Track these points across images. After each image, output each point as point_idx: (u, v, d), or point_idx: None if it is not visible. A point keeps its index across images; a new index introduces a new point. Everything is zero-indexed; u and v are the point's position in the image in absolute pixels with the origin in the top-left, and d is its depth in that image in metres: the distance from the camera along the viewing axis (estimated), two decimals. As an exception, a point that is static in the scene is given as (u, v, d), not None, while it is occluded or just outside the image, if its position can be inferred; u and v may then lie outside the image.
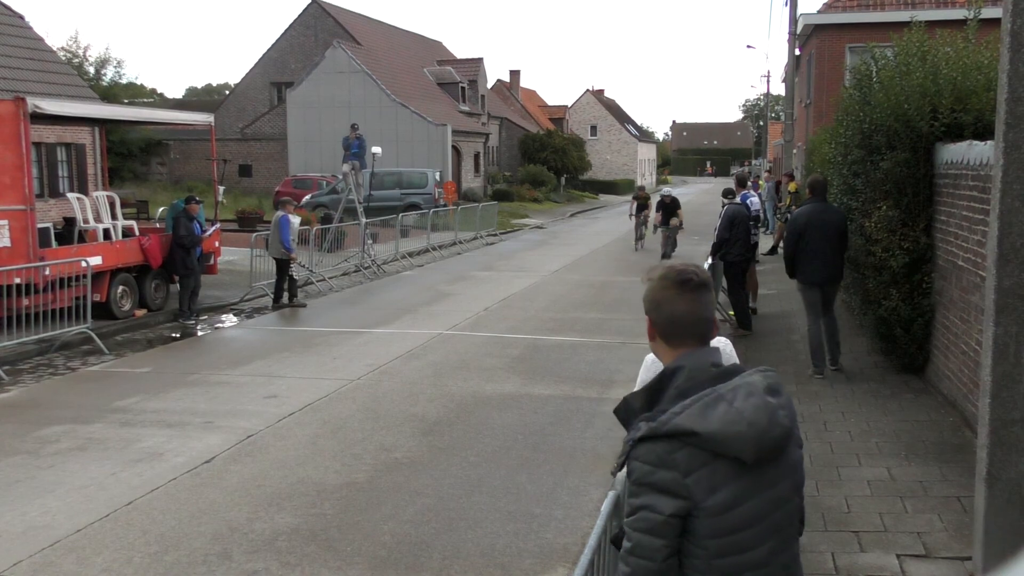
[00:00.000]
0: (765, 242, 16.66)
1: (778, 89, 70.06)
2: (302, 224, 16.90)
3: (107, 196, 15.13)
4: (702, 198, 53.75)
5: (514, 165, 52.59)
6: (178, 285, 13.78)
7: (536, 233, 30.12)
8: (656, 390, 2.27)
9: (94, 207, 14.68)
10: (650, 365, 4.70)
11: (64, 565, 5.26)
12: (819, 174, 10.84)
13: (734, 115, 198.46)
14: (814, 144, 17.99)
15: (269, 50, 47.52)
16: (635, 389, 4.84)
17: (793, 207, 17.01)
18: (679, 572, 2.19)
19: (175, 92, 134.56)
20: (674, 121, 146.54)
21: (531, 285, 16.65)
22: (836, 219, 9.04)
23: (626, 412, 2.32)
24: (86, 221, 14.32)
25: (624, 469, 2.21)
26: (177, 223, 13.41)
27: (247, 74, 48.57)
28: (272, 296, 14.72)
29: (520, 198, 43.96)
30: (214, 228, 14.52)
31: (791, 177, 21.62)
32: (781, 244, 13.57)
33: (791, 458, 2.25)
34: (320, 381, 9.53)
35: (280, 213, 14.65)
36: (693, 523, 2.14)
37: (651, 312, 2.39)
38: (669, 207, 21.30)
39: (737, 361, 4.71)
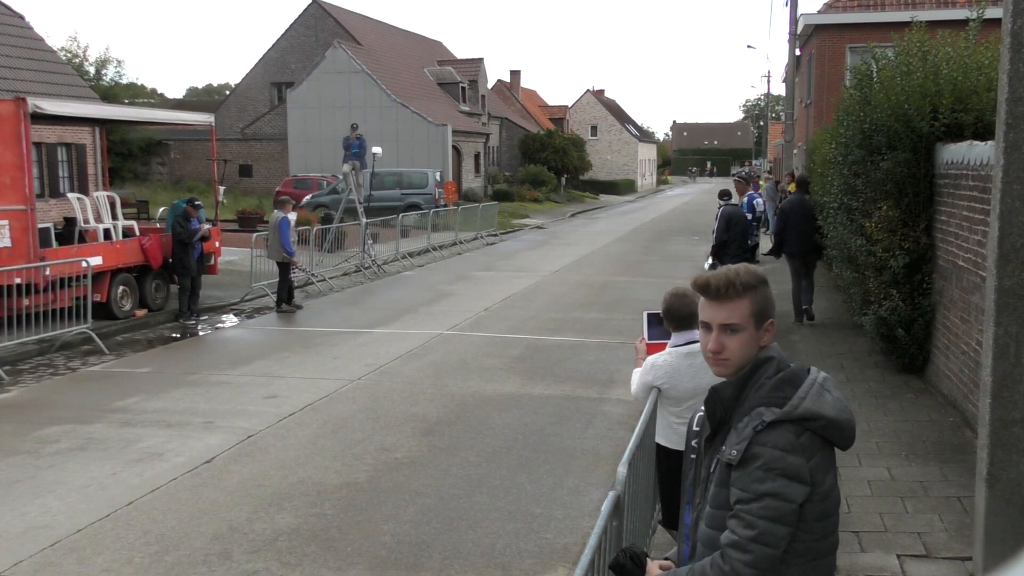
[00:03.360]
0: (766, 242, 16.63)
1: (778, 89, 70.08)
2: (302, 224, 16.86)
3: (107, 196, 15.13)
4: (702, 198, 53.80)
5: (514, 165, 52.58)
6: (178, 285, 13.78)
7: (536, 233, 30.12)
8: (746, 380, 2.31)
9: (94, 207, 14.68)
10: (650, 368, 4.70)
11: (64, 565, 5.26)
12: (804, 173, 14.53)
13: (734, 115, 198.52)
14: (814, 144, 17.98)
15: (269, 50, 47.52)
16: (633, 389, 4.87)
17: None
18: None
19: (175, 92, 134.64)
20: (674, 121, 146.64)
21: (531, 285, 16.65)
22: (814, 208, 12.20)
23: (714, 402, 2.34)
24: (86, 221, 14.32)
25: (740, 456, 2.19)
26: (175, 222, 13.44)
27: (247, 74, 48.57)
28: (276, 299, 14.59)
29: (520, 198, 43.95)
30: (209, 226, 14.36)
31: (792, 177, 21.66)
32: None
33: None
34: (320, 381, 9.53)
35: (280, 215, 14.53)
36: (805, 508, 2.17)
37: (773, 311, 2.38)
38: None
39: None
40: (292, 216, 14.97)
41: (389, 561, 5.29)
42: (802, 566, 2.21)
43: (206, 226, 13.94)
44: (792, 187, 20.72)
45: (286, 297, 14.46)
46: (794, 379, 2.25)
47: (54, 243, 13.23)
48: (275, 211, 15.10)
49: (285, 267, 14.43)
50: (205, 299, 14.57)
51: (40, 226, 12.31)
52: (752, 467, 2.16)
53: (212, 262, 14.76)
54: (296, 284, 15.42)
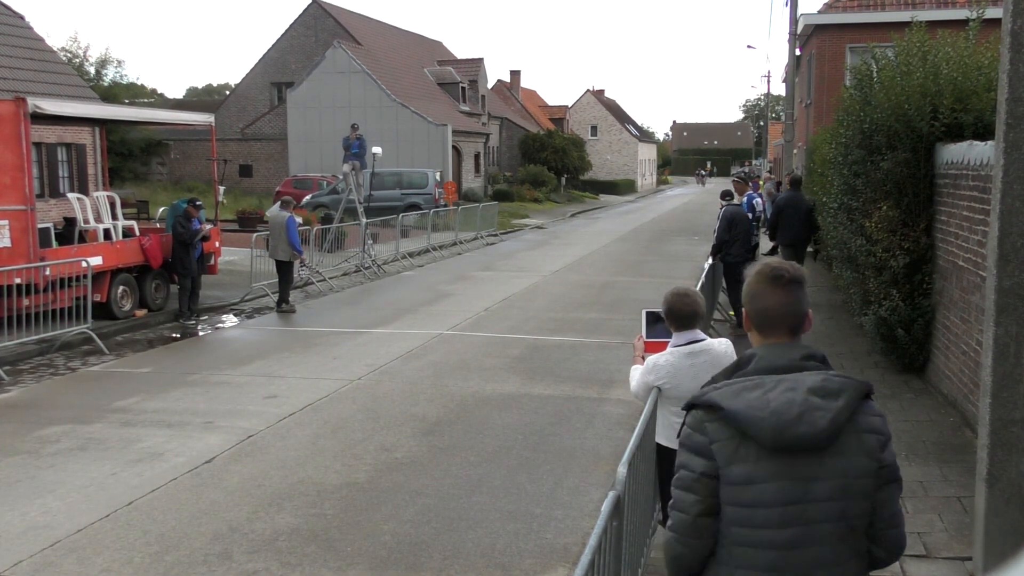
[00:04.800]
0: (766, 242, 16.66)
1: (778, 89, 70.10)
2: (302, 225, 16.84)
3: (107, 196, 15.13)
4: (703, 198, 53.80)
5: (514, 165, 52.58)
6: (178, 285, 13.78)
7: (536, 233, 30.12)
8: (733, 371, 2.48)
9: (94, 207, 14.67)
10: (651, 368, 4.70)
11: (64, 565, 5.26)
12: (796, 172, 16.60)
13: (734, 115, 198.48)
14: (814, 144, 17.98)
15: (269, 50, 47.52)
16: (632, 387, 4.88)
17: None
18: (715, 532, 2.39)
19: (175, 92, 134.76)
20: (674, 121, 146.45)
21: (531, 285, 16.65)
22: (804, 203, 13.59)
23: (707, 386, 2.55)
24: (86, 221, 14.32)
25: None
26: (176, 223, 13.43)
27: (247, 74, 48.56)
28: (276, 299, 14.55)
29: (520, 198, 43.95)
30: (209, 227, 14.37)
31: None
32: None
33: (843, 463, 2.32)
34: (320, 381, 9.53)
35: (285, 214, 14.51)
36: (721, 490, 2.34)
37: (746, 304, 2.54)
38: None
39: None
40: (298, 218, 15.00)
41: (389, 561, 5.29)
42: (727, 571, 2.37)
43: (207, 226, 13.94)
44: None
45: (285, 297, 14.46)
46: (735, 374, 2.45)
47: (54, 243, 13.22)
48: (277, 210, 15.00)
49: (287, 266, 14.43)
50: (205, 299, 14.56)
51: (40, 226, 12.31)
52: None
53: (212, 262, 14.75)
54: (299, 284, 15.39)
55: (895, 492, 2.43)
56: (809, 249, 15.85)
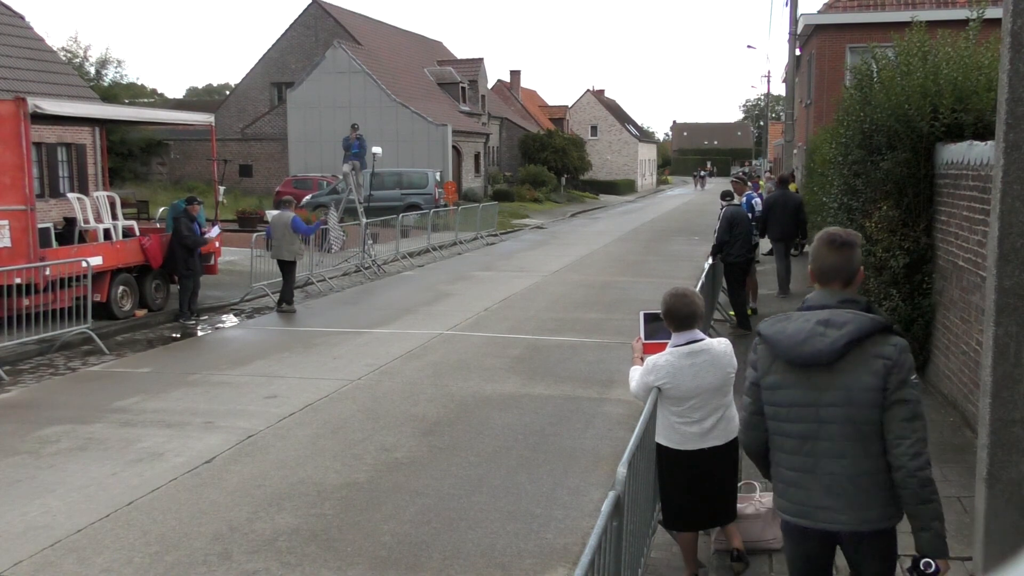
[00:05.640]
0: (767, 242, 16.67)
1: (778, 89, 70.12)
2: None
3: (107, 196, 15.12)
4: (703, 198, 53.80)
5: (514, 165, 52.59)
6: (178, 285, 13.77)
7: (536, 233, 30.12)
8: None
9: (94, 207, 14.67)
10: (651, 368, 4.70)
11: (64, 565, 5.26)
12: (785, 172, 17.93)
13: (734, 115, 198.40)
14: (814, 144, 17.99)
15: (269, 50, 47.51)
16: (632, 388, 4.88)
17: None
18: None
19: (175, 92, 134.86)
20: (674, 121, 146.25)
21: (531, 285, 16.64)
22: (792, 201, 14.13)
23: None
24: (86, 221, 14.32)
25: None
26: (178, 224, 13.40)
27: (247, 74, 48.55)
28: (278, 299, 14.55)
29: (520, 198, 43.95)
30: (216, 231, 14.41)
31: (792, 177, 21.76)
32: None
33: (849, 378, 3.07)
34: (320, 381, 9.53)
35: (289, 214, 14.53)
36: (761, 393, 3.30)
37: (810, 263, 3.30)
38: None
39: (733, 362, 4.75)
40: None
41: (389, 561, 5.29)
42: (773, 455, 3.35)
43: (214, 230, 14.02)
44: (792, 187, 20.95)
45: (287, 297, 14.45)
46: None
47: (54, 243, 13.22)
48: (279, 211, 14.99)
49: (289, 266, 14.43)
50: (205, 299, 14.56)
51: (40, 226, 12.31)
52: None
53: (212, 262, 14.76)
54: (299, 284, 15.38)
55: (904, 414, 3.02)
56: (799, 246, 17.16)
